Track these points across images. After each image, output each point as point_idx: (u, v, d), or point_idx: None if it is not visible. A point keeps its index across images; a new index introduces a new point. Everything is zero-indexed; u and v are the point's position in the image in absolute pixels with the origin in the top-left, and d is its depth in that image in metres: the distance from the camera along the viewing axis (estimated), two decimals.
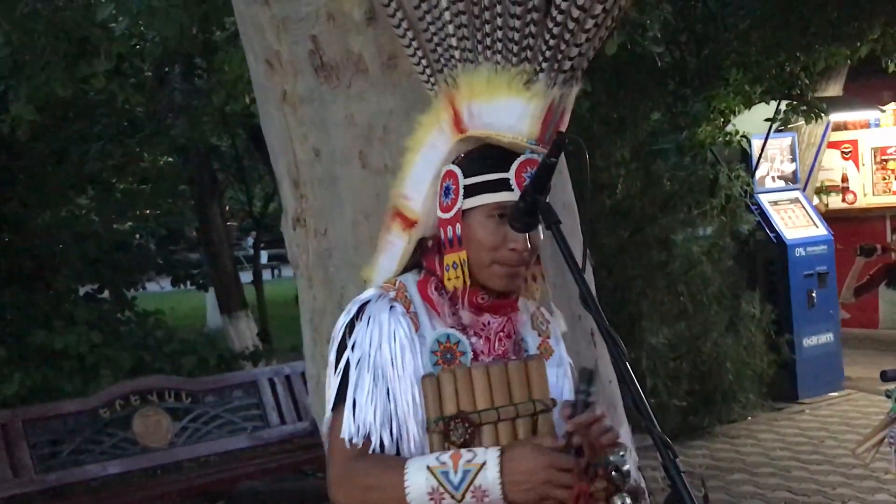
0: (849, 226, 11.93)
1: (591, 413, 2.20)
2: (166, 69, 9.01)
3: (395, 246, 2.37)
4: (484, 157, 2.26)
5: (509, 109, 2.25)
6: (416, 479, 2.09)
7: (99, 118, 8.35)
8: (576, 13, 2.24)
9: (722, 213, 9.55)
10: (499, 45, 2.29)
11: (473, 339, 2.28)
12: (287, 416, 7.28)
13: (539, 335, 2.43)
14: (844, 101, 11.04)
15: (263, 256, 21.87)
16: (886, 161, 12.93)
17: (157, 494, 6.64)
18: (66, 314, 7.99)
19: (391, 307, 2.24)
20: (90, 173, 8.32)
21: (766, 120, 9.56)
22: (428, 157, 2.34)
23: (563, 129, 2.34)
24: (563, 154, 2.41)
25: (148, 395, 6.85)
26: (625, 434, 3.79)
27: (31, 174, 8.40)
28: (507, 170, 2.25)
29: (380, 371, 2.20)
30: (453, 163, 2.29)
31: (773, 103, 9.56)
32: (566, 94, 2.32)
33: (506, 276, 2.26)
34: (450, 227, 2.26)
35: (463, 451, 2.12)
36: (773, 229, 9.74)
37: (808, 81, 9.47)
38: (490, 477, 2.06)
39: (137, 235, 10.67)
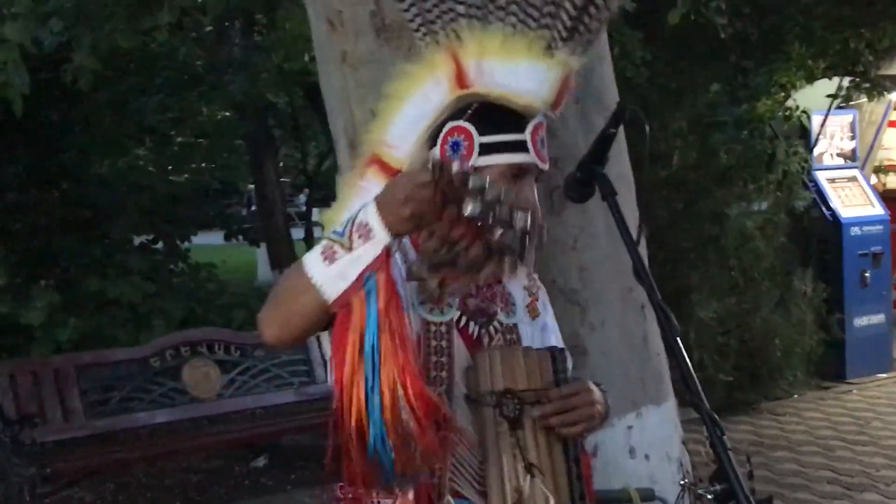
0: None
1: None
2: (226, 24, 9.04)
3: (371, 193, 2.25)
4: (496, 116, 2.26)
5: (529, 73, 2.25)
6: (313, 252, 2.07)
7: (159, 71, 8.40)
8: None
9: (778, 189, 9.47)
10: (514, 8, 2.28)
11: None
12: None
13: (528, 296, 2.48)
14: None
15: (315, 214, 21.96)
16: None
17: (204, 444, 6.75)
18: (121, 263, 8.09)
19: None
20: (148, 125, 8.39)
21: (828, 96, 9.42)
22: (419, 106, 2.31)
23: (567, 92, 2.35)
24: (647, 125, 2.42)
25: (198, 347, 6.94)
26: (671, 407, 3.80)
27: (90, 124, 8.48)
28: (522, 131, 2.26)
29: None
30: (463, 119, 2.27)
31: (836, 79, 9.42)
32: (580, 62, 2.33)
33: None
34: None
35: None
36: (828, 207, 9.63)
37: (871, 58, 9.31)
38: (369, 211, 2.02)
39: (192, 189, 10.74)
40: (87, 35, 5.57)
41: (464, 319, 2.31)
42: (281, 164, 16.58)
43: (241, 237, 10.10)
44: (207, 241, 10.92)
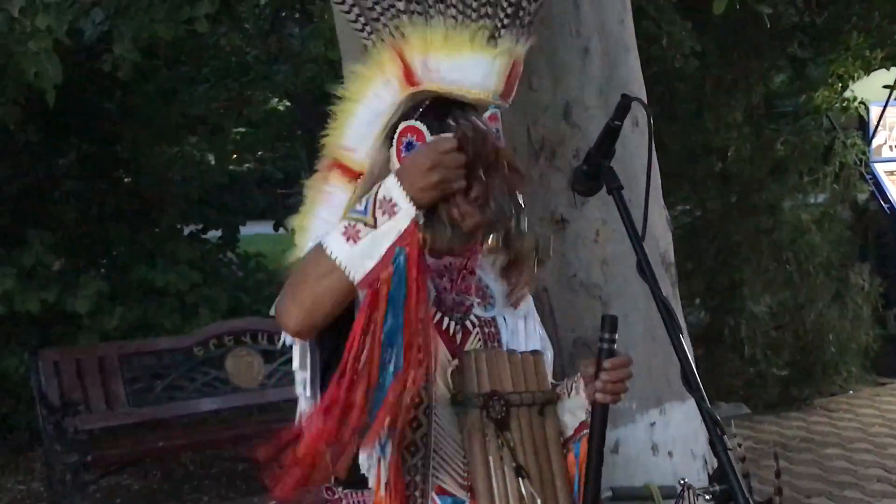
0: None
1: (620, 357, 2.28)
2: (277, 14, 9.07)
3: (336, 197, 2.32)
4: (446, 113, 2.22)
5: (474, 66, 2.24)
6: (333, 233, 2.06)
7: (207, 60, 8.45)
8: None
9: (835, 182, 9.31)
10: (454, 0, 2.25)
11: (437, 280, 2.29)
12: None
13: (508, 285, 2.43)
14: None
15: None
16: None
17: (247, 433, 6.77)
18: (169, 253, 8.15)
19: None
20: (198, 114, 8.44)
21: (886, 87, 9.24)
22: (372, 107, 2.29)
23: (517, 79, 2.32)
24: (651, 117, 2.39)
25: (241, 337, 6.97)
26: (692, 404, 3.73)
27: (141, 113, 8.55)
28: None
29: None
30: (414, 118, 2.24)
31: (894, 70, 9.23)
32: (524, 49, 2.31)
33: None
34: None
35: None
36: (886, 200, 9.44)
37: None
38: (389, 183, 2.04)
39: (244, 179, 10.81)
40: (128, 25, 5.61)
41: (438, 316, 2.27)
42: None
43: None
44: (266, 229, 10.97)
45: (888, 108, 9.43)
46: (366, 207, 2.04)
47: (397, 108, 2.27)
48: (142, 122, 8.56)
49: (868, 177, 9.49)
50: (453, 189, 2.08)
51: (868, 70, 9.16)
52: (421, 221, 2.03)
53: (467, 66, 2.24)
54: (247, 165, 12.10)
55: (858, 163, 9.33)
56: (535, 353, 2.38)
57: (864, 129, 9.58)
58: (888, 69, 9.25)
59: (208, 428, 6.96)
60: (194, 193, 8.76)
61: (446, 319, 2.28)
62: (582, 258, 3.41)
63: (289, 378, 7.36)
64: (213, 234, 9.24)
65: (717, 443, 2.14)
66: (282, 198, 15.07)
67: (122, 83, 7.66)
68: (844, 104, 9.42)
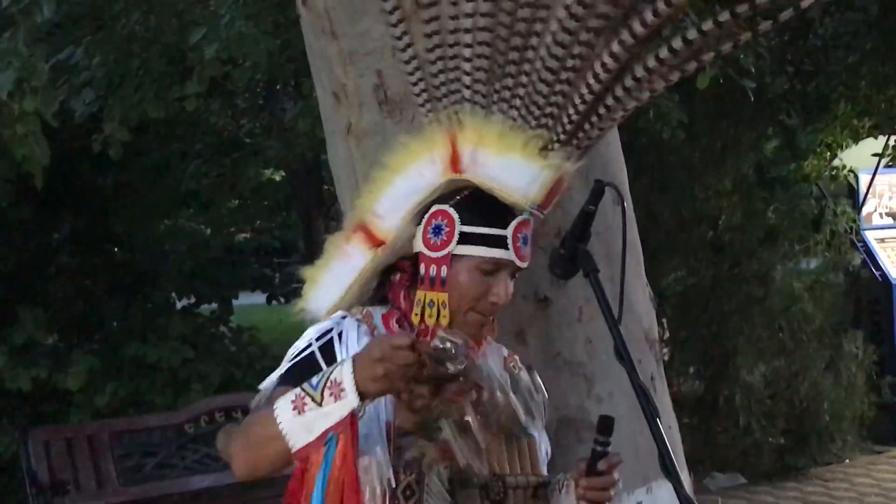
0: None
1: (604, 471, 2.30)
2: (271, 87, 9.14)
3: (353, 259, 2.38)
4: (482, 208, 2.27)
5: (521, 171, 2.26)
6: (284, 399, 2.13)
7: (199, 137, 8.51)
8: (610, 101, 2.27)
9: (827, 249, 9.36)
10: (518, 102, 2.30)
11: None
12: None
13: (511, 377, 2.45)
14: None
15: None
16: None
17: None
18: (162, 327, 8.13)
19: (358, 325, 2.30)
20: (190, 190, 8.48)
21: (874, 155, 9.33)
22: (412, 183, 2.33)
23: (558, 194, 2.35)
24: (626, 196, 2.43)
25: (233, 413, 6.91)
26: (685, 480, 3.71)
27: (134, 189, 8.58)
28: (505, 227, 2.27)
29: None
30: (449, 204, 2.28)
31: (882, 138, 9.32)
32: (574, 167, 2.34)
33: (479, 324, 2.31)
34: (434, 265, 2.27)
35: None
36: (878, 267, 9.49)
37: None
38: (345, 369, 2.08)
39: (239, 250, 10.80)
40: (118, 105, 5.67)
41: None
42: (333, 220, 16.68)
43: (282, 300, 10.10)
44: (260, 300, 10.94)
45: (878, 176, 9.51)
46: (318, 383, 2.10)
47: (435, 190, 2.31)
48: (135, 197, 8.59)
49: (859, 244, 9.54)
50: (396, 388, 2.10)
51: (856, 138, 9.27)
52: (361, 414, 2.10)
53: (514, 168, 2.26)
54: (243, 236, 12.10)
55: (849, 230, 9.39)
56: (528, 437, 2.41)
57: (853, 197, 9.65)
58: (876, 137, 9.36)
59: None
60: (187, 267, 8.77)
61: None
62: (566, 336, 3.40)
63: None
64: (206, 308, 9.23)
65: None
66: (279, 267, 15.09)
67: (114, 160, 7.70)
68: (834, 172, 9.53)
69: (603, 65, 2.24)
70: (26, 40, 4.83)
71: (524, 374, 2.52)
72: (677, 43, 2.22)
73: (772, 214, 9.19)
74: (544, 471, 2.43)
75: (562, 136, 2.30)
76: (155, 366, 7.75)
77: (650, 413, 2.22)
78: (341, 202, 3.70)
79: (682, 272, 9.09)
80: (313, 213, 11.86)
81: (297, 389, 2.11)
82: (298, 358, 2.28)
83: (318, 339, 2.29)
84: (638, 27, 2.21)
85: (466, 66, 2.33)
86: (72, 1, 6.16)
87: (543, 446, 2.48)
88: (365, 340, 2.24)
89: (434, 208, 2.29)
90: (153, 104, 5.76)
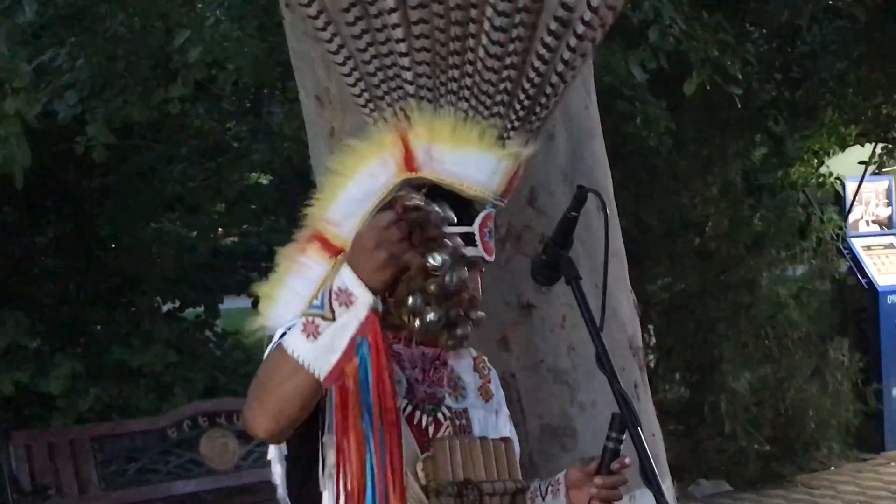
0: None
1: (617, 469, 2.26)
2: (258, 90, 9.11)
3: (312, 270, 2.28)
4: (436, 197, 2.19)
5: (480, 163, 2.22)
6: (293, 331, 2.02)
7: (184, 141, 8.48)
8: (554, 79, 2.24)
9: (813, 257, 9.36)
10: (466, 94, 2.26)
11: (408, 370, 2.26)
12: None
13: (480, 378, 2.42)
14: None
15: None
16: None
17: None
18: (146, 332, 8.09)
19: None
20: (175, 193, 8.44)
21: (861, 163, 9.34)
22: (365, 186, 2.26)
23: (518, 180, 2.32)
24: (609, 202, 2.41)
25: (216, 418, 6.88)
26: (666, 489, 3.70)
27: (119, 192, 8.54)
28: (471, 223, 2.23)
29: None
30: None
31: (869, 146, 9.33)
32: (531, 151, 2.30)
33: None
34: None
35: None
36: (864, 275, 9.47)
37: None
38: (344, 274, 1.98)
39: (226, 254, 10.77)
40: (101, 108, 5.65)
41: (409, 408, 2.25)
42: None
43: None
44: (247, 304, 10.88)
45: (865, 184, 9.51)
46: (322, 301, 1.99)
47: (391, 190, 2.23)
48: (120, 201, 8.54)
49: (845, 251, 9.54)
50: (405, 263, 2.02)
51: (843, 146, 9.27)
52: (380, 308, 2.00)
53: (472, 162, 2.22)
54: (230, 240, 12.04)
55: (835, 238, 9.39)
56: (505, 440, 2.36)
57: (840, 205, 9.65)
58: (863, 145, 9.37)
59: None
60: (173, 271, 8.72)
61: (417, 412, 2.26)
62: (549, 343, 3.39)
63: (265, 459, 7.26)
64: (191, 312, 9.18)
65: None
66: (266, 272, 15.01)
67: (98, 163, 7.67)
68: (821, 180, 9.51)
69: (545, 44, 2.22)
70: (8, 42, 4.80)
71: (494, 375, 2.49)
72: None
73: (758, 221, 9.18)
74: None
75: (516, 123, 2.26)
76: (139, 370, 7.71)
77: (632, 422, 2.19)
78: None
79: (669, 279, 9.08)
80: (300, 216, 11.79)
81: (302, 318, 2.00)
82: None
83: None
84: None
85: (405, 62, 2.28)
86: (56, 2, 6.14)
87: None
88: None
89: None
90: (137, 107, 5.73)
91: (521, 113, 2.26)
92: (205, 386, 7.84)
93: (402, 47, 2.28)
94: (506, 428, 2.45)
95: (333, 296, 1.98)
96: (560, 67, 2.24)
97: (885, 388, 9.30)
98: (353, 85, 2.39)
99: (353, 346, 1.97)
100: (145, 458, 6.67)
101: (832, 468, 8.86)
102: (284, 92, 7.00)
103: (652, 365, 8.56)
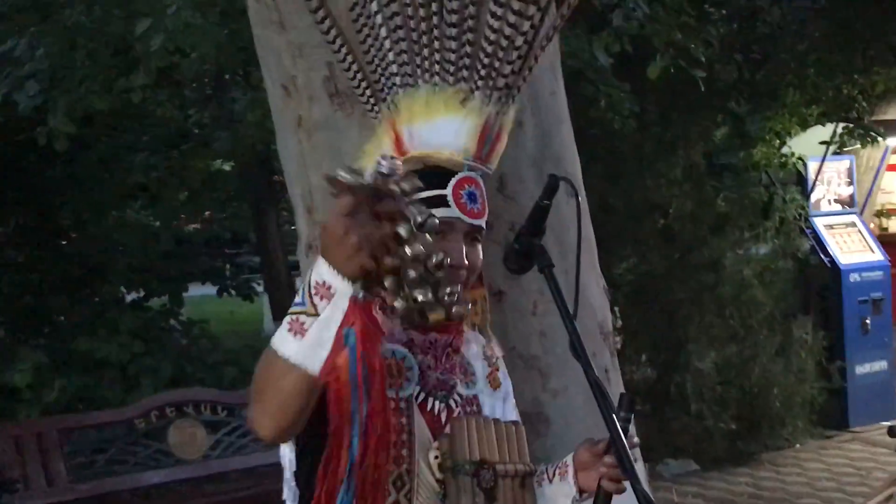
0: None
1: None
2: (219, 77, 9.06)
3: None
4: (422, 175, 2.16)
5: (447, 127, 2.31)
6: (279, 333, 1.98)
7: (147, 129, 8.43)
8: (508, 31, 2.32)
9: (776, 237, 9.42)
10: (436, 67, 2.36)
11: (420, 357, 2.27)
12: None
13: (489, 366, 2.47)
14: None
15: None
16: None
17: None
18: (111, 322, 8.04)
19: None
20: (138, 182, 8.40)
21: (823, 143, 9.40)
22: None
23: (502, 147, 2.38)
24: (580, 190, 2.43)
25: (184, 407, 6.84)
26: (640, 468, 3.72)
27: (82, 181, 8.49)
28: (444, 187, 2.26)
29: None
30: None
31: (830, 126, 9.39)
32: (502, 112, 2.38)
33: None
34: None
35: None
36: (827, 253, 9.54)
37: (865, 105, 9.30)
38: (319, 268, 1.93)
39: (189, 241, 10.74)
40: (62, 97, 5.58)
41: (422, 395, 2.27)
42: (284, 211, 16.57)
43: (233, 292, 10.02)
44: (211, 291, 10.81)
45: (826, 163, 9.57)
46: (303, 298, 1.96)
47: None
48: (82, 190, 8.49)
49: (808, 231, 9.60)
50: (379, 239, 1.92)
51: (805, 126, 9.33)
52: (360, 296, 1.95)
53: (440, 128, 2.30)
54: (193, 227, 12.00)
55: (798, 217, 9.45)
56: (515, 423, 2.40)
57: (802, 185, 9.70)
58: (824, 125, 9.43)
59: (152, 502, 6.82)
60: (137, 260, 8.68)
61: (430, 399, 2.28)
62: (520, 330, 3.39)
63: (233, 448, 7.24)
64: (157, 301, 9.14)
65: None
66: (230, 259, 14.96)
67: (60, 152, 7.60)
68: (783, 160, 9.57)
69: (497, 1, 2.32)
70: None
71: (502, 364, 2.53)
72: None
73: (722, 202, 9.22)
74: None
75: (478, 83, 2.35)
76: (104, 361, 7.67)
77: (606, 409, 2.20)
78: (291, 195, 3.66)
79: (634, 261, 9.11)
80: (264, 203, 11.76)
81: (286, 318, 1.98)
82: None
83: None
84: None
85: (390, 54, 2.41)
86: None
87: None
88: None
89: None
90: (99, 96, 5.69)
91: (483, 72, 2.35)
92: (171, 375, 7.80)
93: (387, 41, 2.41)
94: (513, 414, 2.48)
95: (312, 290, 1.95)
96: (513, 19, 2.32)
97: (849, 365, 9.39)
98: (361, 94, 2.51)
99: (341, 339, 1.95)
100: (113, 449, 6.62)
101: (797, 445, 8.93)
102: (247, 78, 6.95)
103: (618, 346, 8.58)
